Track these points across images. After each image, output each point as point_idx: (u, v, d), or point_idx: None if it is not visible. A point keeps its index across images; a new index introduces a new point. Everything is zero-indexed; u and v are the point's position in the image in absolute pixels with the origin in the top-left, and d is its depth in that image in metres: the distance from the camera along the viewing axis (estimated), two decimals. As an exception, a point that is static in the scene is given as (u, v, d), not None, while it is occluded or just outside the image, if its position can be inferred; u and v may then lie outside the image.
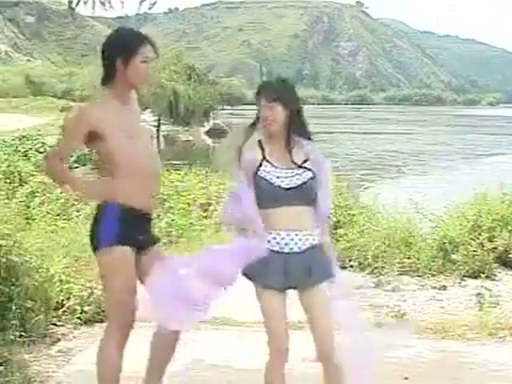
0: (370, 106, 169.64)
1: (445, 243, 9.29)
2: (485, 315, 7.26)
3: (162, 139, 57.30)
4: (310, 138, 4.40)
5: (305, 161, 4.34)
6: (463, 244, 9.20)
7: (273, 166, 4.32)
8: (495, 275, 9.08)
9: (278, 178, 4.29)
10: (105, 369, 4.73)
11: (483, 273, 8.95)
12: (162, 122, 59.04)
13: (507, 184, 10.62)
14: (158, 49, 4.64)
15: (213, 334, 6.95)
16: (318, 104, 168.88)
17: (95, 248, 4.50)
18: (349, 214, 10.64)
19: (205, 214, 11.53)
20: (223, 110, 68.05)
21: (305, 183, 4.30)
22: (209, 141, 59.10)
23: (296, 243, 4.31)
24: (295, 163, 4.32)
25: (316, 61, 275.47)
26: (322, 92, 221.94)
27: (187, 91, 57.43)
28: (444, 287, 8.54)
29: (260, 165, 4.32)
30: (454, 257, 9.10)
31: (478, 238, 9.23)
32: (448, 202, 10.52)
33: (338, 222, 10.33)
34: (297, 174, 4.31)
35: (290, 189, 4.28)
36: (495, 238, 9.42)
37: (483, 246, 9.14)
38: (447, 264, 9.13)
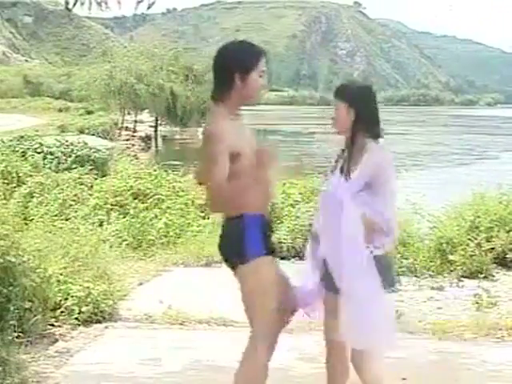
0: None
1: (442, 244, 9.29)
2: (482, 316, 7.27)
3: (159, 140, 57.29)
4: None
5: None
6: (461, 244, 9.20)
7: None
8: (493, 276, 9.08)
9: None
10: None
11: (481, 273, 8.96)
12: (159, 122, 59.01)
13: (505, 184, 10.61)
14: (268, 60, 4.48)
15: (210, 334, 6.96)
16: (317, 104, 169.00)
17: (240, 262, 4.33)
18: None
19: (202, 215, 11.53)
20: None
21: None
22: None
23: None
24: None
25: (314, 61, 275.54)
26: (320, 92, 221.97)
27: (185, 92, 57.35)
28: (442, 288, 8.54)
29: None
30: (451, 257, 9.11)
31: (475, 239, 9.23)
32: (446, 203, 10.52)
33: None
34: None
35: None
36: (493, 238, 9.41)
37: (481, 247, 9.14)
38: (445, 264, 9.13)
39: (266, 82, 4.43)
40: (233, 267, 4.41)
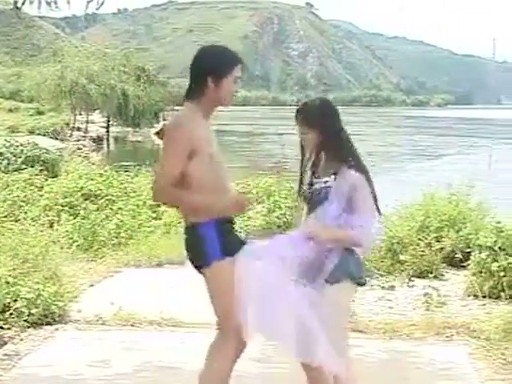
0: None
1: (393, 244, 9.36)
2: (432, 315, 7.35)
3: (111, 140, 56.97)
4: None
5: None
6: (411, 244, 9.27)
7: None
8: (443, 275, 9.17)
9: None
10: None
11: (431, 273, 9.04)
12: (111, 123, 58.66)
13: (455, 185, 10.72)
14: (245, 66, 4.61)
15: (161, 335, 6.94)
16: (269, 105, 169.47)
17: (203, 266, 4.44)
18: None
19: (154, 215, 11.49)
20: (173, 110, 67.74)
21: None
22: (158, 142, 58.82)
23: None
24: None
25: (267, 62, 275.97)
26: (273, 93, 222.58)
27: (137, 92, 57.11)
28: (392, 287, 8.60)
29: None
30: (402, 257, 9.17)
31: (425, 239, 9.31)
32: (397, 203, 10.61)
33: (288, 222, 10.37)
34: None
35: None
36: (443, 238, 9.51)
37: (431, 247, 9.22)
38: (396, 264, 9.19)
39: (237, 87, 4.50)
40: (198, 270, 4.49)
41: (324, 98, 4.64)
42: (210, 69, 4.37)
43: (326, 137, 4.42)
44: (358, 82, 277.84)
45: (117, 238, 10.60)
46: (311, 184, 4.50)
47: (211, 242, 4.35)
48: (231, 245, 4.43)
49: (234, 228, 4.60)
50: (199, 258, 4.43)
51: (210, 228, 4.35)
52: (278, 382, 5.56)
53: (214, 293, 4.45)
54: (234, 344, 4.43)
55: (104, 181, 12.85)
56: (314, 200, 4.44)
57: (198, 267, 4.47)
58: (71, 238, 10.27)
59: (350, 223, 4.31)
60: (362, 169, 4.39)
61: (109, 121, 58.29)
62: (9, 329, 6.85)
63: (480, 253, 8.31)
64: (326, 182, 4.40)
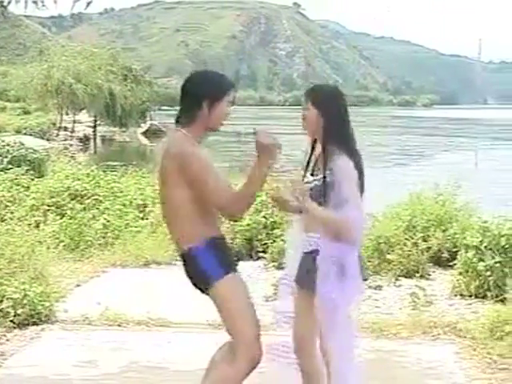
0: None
1: (380, 243, 9.37)
2: (419, 314, 7.36)
3: (98, 140, 56.85)
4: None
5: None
6: (398, 244, 9.28)
7: None
8: (429, 275, 9.19)
9: None
10: None
11: (418, 272, 9.06)
12: (98, 122, 58.54)
13: (441, 184, 10.74)
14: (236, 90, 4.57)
15: (148, 335, 6.94)
16: (256, 105, 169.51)
17: (207, 288, 4.43)
18: (286, 214, 10.66)
19: (141, 215, 11.47)
20: (160, 110, 67.69)
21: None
22: (145, 141, 58.74)
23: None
24: None
25: (253, 62, 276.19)
26: (260, 93, 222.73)
27: (124, 92, 56.99)
28: (379, 287, 8.61)
29: None
30: (389, 257, 9.18)
31: (412, 238, 9.32)
32: (384, 203, 10.62)
33: (275, 222, 10.36)
34: None
35: None
36: (429, 237, 9.52)
37: (417, 246, 9.23)
38: (382, 264, 9.20)
39: (230, 111, 4.50)
40: (204, 293, 4.48)
41: (337, 87, 4.63)
42: (207, 93, 4.35)
43: (327, 118, 4.38)
44: (345, 82, 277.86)
45: (103, 237, 10.57)
46: (307, 182, 4.47)
47: (209, 263, 4.35)
48: (229, 259, 4.47)
49: (226, 243, 4.60)
50: (202, 282, 4.42)
51: (203, 249, 4.36)
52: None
53: (224, 313, 4.43)
54: (246, 360, 4.39)
55: (91, 181, 12.81)
56: (312, 199, 4.39)
57: (204, 290, 4.46)
58: (58, 238, 10.24)
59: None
60: (352, 155, 4.35)
61: (96, 120, 58.15)
62: (-5, 329, 6.84)
63: (466, 252, 8.33)
64: (322, 178, 4.36)
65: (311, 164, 4.56)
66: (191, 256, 4.39)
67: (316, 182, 4.41)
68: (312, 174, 4.50)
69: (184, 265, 4.51)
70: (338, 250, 4.23)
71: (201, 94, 4.36)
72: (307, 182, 4.46)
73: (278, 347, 4.66)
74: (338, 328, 4.30)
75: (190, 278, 4.50)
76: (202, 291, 4.47)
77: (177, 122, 4.46)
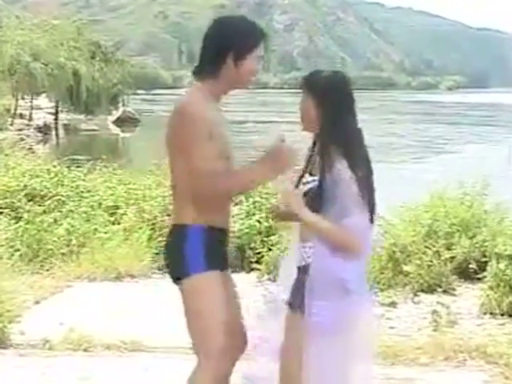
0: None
1: (395, 252, 9.38)
2: (441, 336, 7.37)
3: (61, 130, 56.78)
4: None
5: None
6: (417, 253, 9.30)
7: None
8: (454, 289, 9.21)
9: None
10: None
11: (440, 286, 9.08)
12: (60, 109, 58.50)
13: (468, 183, 10.76)
14: (269, 43, 4.58)
15: (120, 362, 6.94)
16: (248, 88, 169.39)
17: (181, 277, 4.42)
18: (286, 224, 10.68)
19: (112, 219, 11.47)
20: (135, 94, 67.72)
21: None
22: (117, 131, 58.76)
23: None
24: None
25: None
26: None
27: (91, 72, 56.98)
28: (394, 304, 8.63)
29: None
30: (405, 268, 9.19)
31: (433, 246, 9.33)
32: (399, 204, 10.63)
33: (271, 227, 10.38)
34: None
35: None
36: (453, 245, 9.55)
37: (440, 256, 9.25)
38: (398, 276, 9.22)
39: (259, 68, 4.48)
40: (175, 281, 4.47)
41: (342, 72, 4.51)
42: (233, 45, 4.31)
43: (325, 111, 4.32)
44: (354, 61, 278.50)
45: (67, 245, 10.56)
46: (307, 182, 4.46)
47: (194, 250, 4.34)
48: (219, 257, 4.46)
49: (225, 240, 4.61)
50: (176, 267, 4.41)
51: (196, 233, 4.35)
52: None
53: (190, 311, 4.42)
54: (214, 371, 4.40)
55: (52, 178, 12.81)
56: (308, 200, 4.38)
57: (176, 279, 4.44)
58: (12, 247, 10.23)
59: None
60: (355, 158, 4.34)
61: (57, 106, 58.12)
62: None
63: (498, 263, 8.36)
64: (318, 183, 4.34)
65: (312, 162, 4.53)
66: (179, 233, 4.39)
67: (312, 185, 4.39)
68: (311, 174, 4.48)
69: (166, 241, 4.55)
70: (337, 261, 4.24)
71: (225, 46, 4.32)
72: (307, 183, 4.45)
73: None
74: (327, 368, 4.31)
75: (166, 259, 4.54)
76: (174, 280, 4.47)
77: (195, 73, 4.44)
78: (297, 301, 4.42)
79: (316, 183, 4.33)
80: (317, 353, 4.26)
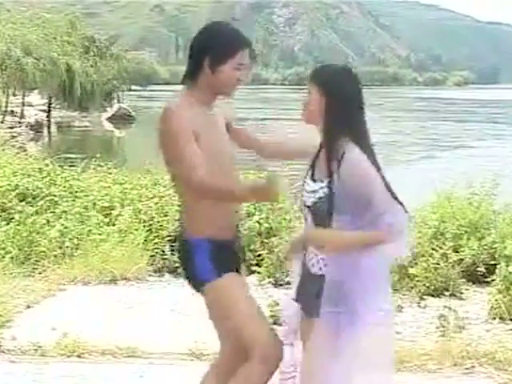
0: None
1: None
2: (449, 342, 7.37)
3: (53, 127, 56.81)
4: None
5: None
6: (423, 255, 9.29)
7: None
8: (461, 293, 9.21)
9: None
10: None
11: (447, 290, 9.07)
12: (53, 105, 58.52)
13: (476, 182, 10.76)
14: (253, 51, 4.67)
15: (115, 368, 6.93)
16: (248, 84, 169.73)
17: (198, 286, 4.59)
18: (284, 218, 10.68)
19: (106, 221, 11.47)
20: (130, 91, 67.79)
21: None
22: (112, 129, 58.78)
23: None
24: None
25: (245, 31, 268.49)
26: (253, 70, 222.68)
27: (84, 68, 57.04)
28: (400, 308, 8.62)
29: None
30: (411, 271, 9.19)
31: (440, 248, 9.33)
32: (405, 205, 10.62)
33: (271, 228, 10.38)
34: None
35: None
36: (461, 247, 9.54)
37: (447, 258, 9.25)
38: (404, 280, 9.21)
39: (245, 76, 4.57)
40: (197, 290, 4.64)
41: (349, 67, 4.52)
42: (208, 50, 4.42)
43: (332, 101, 4.30)
44: (359, 56, 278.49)
45: (60, 247, 10.56)
46: (313, 191, 4.43)
47: (203, 262, 4.49)
48: (228, 264, 4.55)
49: (234, 248, 4.67)
50: (193, 278, 4.59)
51: (202, 246, 4.49)
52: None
53: (217, 318, 4.56)
54: (261, 361, 4.45)
55: (44, 177, 12.80)
56: (316, 210, 4.36)
57: (196, 290, 4.60)
58: (3, 249, 10.24)
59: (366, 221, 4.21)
60: (365, 150, 4.32)
61: (50, 103, 58.19)
62: None
63: (507, 265, 8.36)
64: (327, 186, 4.30)
65: (315, 167, 4.47)
66: (187, 246, 4.57)
67: (321, 193, 4.34)
68: (314, 179, 4.42)
69: (178, 251, 4.75)
70: (362, 266, 4.26)
71: (201, 51, 4.44)
72: (313, 191, 4.36)
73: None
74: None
75: (183, 270, 4.69)
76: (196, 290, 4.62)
77: (183, 79, 4.56)
78: (315, 308, 4.41)
79: (324, 190, 4.30)
80: (337, 357, 4.28)
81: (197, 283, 4.55)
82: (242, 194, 4.37)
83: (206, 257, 4.47)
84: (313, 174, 4.43)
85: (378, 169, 4.25)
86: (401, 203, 4.30)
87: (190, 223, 4.54)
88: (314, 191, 4.35)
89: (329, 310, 4.26)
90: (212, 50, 4.40)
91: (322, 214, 4.28)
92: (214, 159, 4.43)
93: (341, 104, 4.31)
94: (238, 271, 4.65)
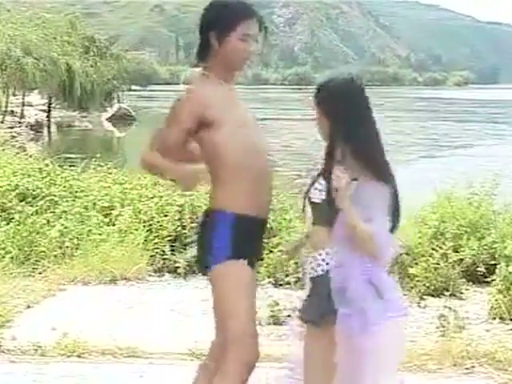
0: (312, 87, 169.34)
1: (401, 254, 9.37)
2: (449, 342, 7.37)
3: (53, 127, 56.78)
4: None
5: None
6: (423, 255, 9.30)
7: None
8: (461, 293, 9.20)
9: None
10: None
11: (447, 290, 9.07)
12: (53, 105, 58.48)
13: (476, 182, 10.75)
14: (263, 22, 4.67)
15: (115, 368, 6.93)
16: (248, 84, 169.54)
17: (209, 264, 4.53)
18: (285, 218, 10.68)
19: (106, 221, 11.47)
20: (131, 91, 67.74)
21: None
22: (112, 129, 58.74)
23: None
24: None
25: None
26: (253, 70, 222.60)
27: (84, 68, 56.97)
28: (400, 308, 8.62)
29: None
30: (411, 271, 9.19)
31: (440, 248, 9.32)
32: (405, 204, 10.61)
33: (271, 228, 10.37)
34: None
35: None
36: (461, 247, 9.54)
37: (447, 258, 9.24)
38: (404, 280, 9.20)
39: (253, 47, 4.59)
40: (204, 269, 4.59)
41: (350, 78, 4.49)
42: (213, 24, 4.46)
43: (339, 127, 4.34)
44: (358, 56, 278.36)
45: (60, 248, 10.56)
46: (320, 190, 4.45)
47: (220, 237, 4.45)
48: (246, 246, 4.50)
49: (257, 229, 4.64)
50: (204, 255, 4.54)
51: (224, 219, 4.46)
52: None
53: (215, 297, 4.53)
54: (238, 361, 4.43)
55: (44, 177, 12.80)
56: (321, 208, 4.42)
57: (205, 268, 4.55)
58: (3, 249, 10.24)
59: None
60: (385, 178, 4.42)
61: (50, 103, 58.13)
62: None
63: (507, 265, 8.35)
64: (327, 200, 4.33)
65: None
66: (208, 218, 4.55)
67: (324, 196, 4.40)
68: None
69: (198, 223, 4.75)
70: (367, 267, 4.27)
71: (207, 27, 4.48)
72: (322, 190, 4.42)
73: None
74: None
75: (196, 243, 4.66)
76: (201, 270, 4.66)
77: (197, 63, 4.61)
78: (315, 314, 4.41)
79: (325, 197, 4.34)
80: (349, 361, 4.29)
81: (206, 259, 4.49)
82: (170, 169, 4.49)
83: (226, 231, 4.42)
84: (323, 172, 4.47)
85: (394, 182, 4.48)
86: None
87: (214, 194, 4.52)
88: (322, 190, 4.41)
89: (342, 311, 4.27)
90: (216, 24, 4.44)
91: (326, 212, 4.31)
92: (242, 129, 4.48)
93: (340, 124, 4.36)
94: (256, 255, 4.65)
